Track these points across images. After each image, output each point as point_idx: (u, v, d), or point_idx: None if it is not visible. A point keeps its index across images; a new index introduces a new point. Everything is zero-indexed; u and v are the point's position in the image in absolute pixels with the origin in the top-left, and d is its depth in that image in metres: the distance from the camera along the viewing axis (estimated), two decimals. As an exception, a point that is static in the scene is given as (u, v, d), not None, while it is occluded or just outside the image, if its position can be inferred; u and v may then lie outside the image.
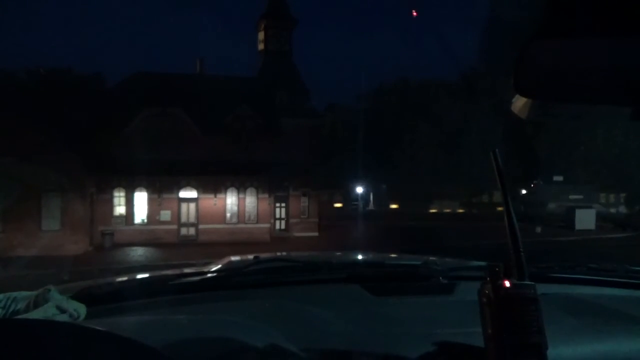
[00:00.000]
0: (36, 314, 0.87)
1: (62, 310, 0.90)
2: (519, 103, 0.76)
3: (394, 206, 47.64)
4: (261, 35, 29.10)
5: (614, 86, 0.64)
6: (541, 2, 0.63)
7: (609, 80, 0.64)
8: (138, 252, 20.51)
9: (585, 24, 0.60)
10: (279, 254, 2.31)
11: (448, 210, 45.75)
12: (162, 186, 23.22)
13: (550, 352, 0.79)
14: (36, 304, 0.91)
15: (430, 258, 1.81)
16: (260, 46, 29.18)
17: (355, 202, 43.69)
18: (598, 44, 0.61)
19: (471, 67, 36.75)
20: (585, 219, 30.02)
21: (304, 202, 27.04)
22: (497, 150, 0.93)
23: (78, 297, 1.05)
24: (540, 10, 0.63)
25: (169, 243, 22.16)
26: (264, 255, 1.83)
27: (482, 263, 1.54)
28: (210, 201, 23.88)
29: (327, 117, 40.57)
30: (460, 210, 45.85)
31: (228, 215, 24.27)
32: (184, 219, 23.82)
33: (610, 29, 0.59)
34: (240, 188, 24.32)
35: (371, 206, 47.18)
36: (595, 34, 0.60)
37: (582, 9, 0.60)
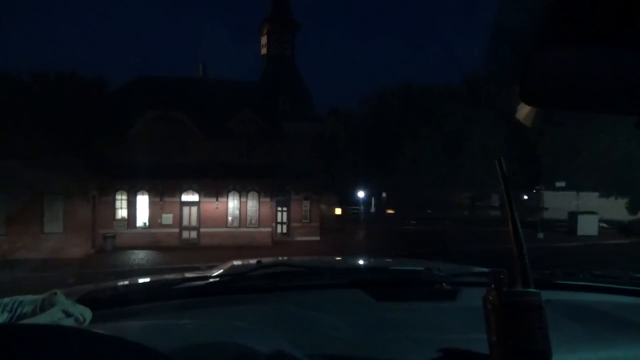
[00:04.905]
0: (42, 318, 0.88)
1: (68, 315, 0.91)
2: (524, 110, 0.76)
3: (390, 211, 47.11)
4: (264, 40, 29.19)
5: (619, 95, 0.65)
6: (546, 10, 0.63)
7: (614, 89, 0.64)
8: (140, 256, 20.52)
9: (591, 33, 0.60)
10: (281, 258, 2.31)
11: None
12: (164, 189, 23.25)
13: (555, 359, 0.79)
14: (42, 307, 0.92)
15: (433, 263, 1.82)
16: (263, 50, 29.26)
17: (356, 208, 43.64)
18: (603, 53, 0.62)
19: (474, 73, 36.77)
20: (588, 225, 29.92)
21: (306, 206, 27.04)
22: (501, 158, 0.93)
23: (83, 300, 1.05)
24: (544, 18, 0.64)
25: (170, 246, 22.17)
26: (266, 260, 1.84)
27: (485, 269, 1.55)
28: (212, 205, 23.89)
29: (330, 121, 40.60)
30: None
31: (230, 218, 24.27)
32: (185, 222, 23.84)
33: (615, 37, 0.59)
34: (242, 192, 24.34)
35: (372, 210, 47.08)
36: (600, 43, 0.60)
37: (587, 18, 0.61)
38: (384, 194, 47.88)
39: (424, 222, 35.82)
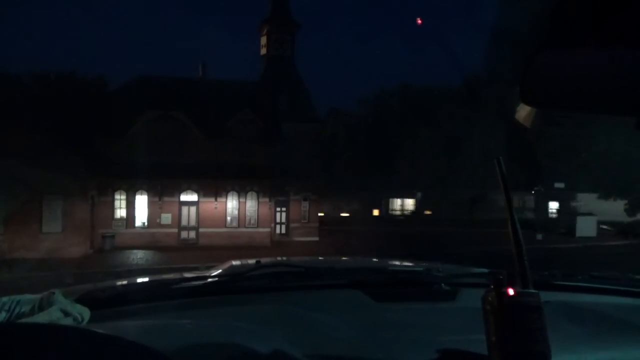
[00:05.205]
0: (41, 318, 0.88)
1: (67, 314, 0.91)
2: (524, 111, 0.76)
3: (427, 212, 44.98)
4: (263, 40, 29.19)
5: (620, 96, 0.65)
6: (546, 11, 0.63)
7: (616, 91, 0.64)
8: (138, 255, 20.51)
9: (592, 34, 0.60)
10: (279, 258, 2.31)
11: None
12: (163, 189, 23.24)
13: None
14: (41, 307, 0.91)
15: (432, 264, 1.82)
16: (263, 51, 29.26)
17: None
18: (604, 55, 0.62)
19: (474, 74, 36.79)
20: (586, 226, 29.96)
21: (305, 206, 27.04)
22: (501, 158, 0.93)
23: (82, 300, 1.05)
24: (545, 19, 0.64)
25: (169, 246, 22.16)
26: (265, 260, 1.83)
27: (484, 270, 1.55)
28: (211, 205, 23.88)
29: (329, 122, 40.59)
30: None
31: (228, 219, 24.26)
32: (184, 222, 23.82)
33: (616, 39, 0.59)
34: (241, 192, 24.33)
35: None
36: (601, 45, 0.60)
37: (588, 19, 0.61)
38: (419, 194, 46.73)
39: (463, 223, 35.19)
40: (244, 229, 24.11)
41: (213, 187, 23.66)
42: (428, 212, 43.40)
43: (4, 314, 0.91)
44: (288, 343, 0.98)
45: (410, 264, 2.04)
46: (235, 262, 2.01)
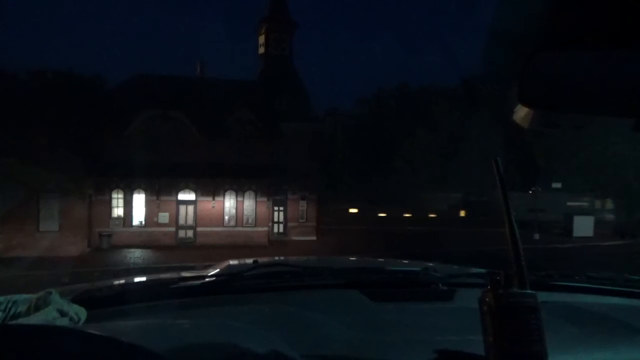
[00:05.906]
0: (37, 318, 0.87)
1: (63, 314, 0.90)
2: (521, 112, 0.76)
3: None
4: (262, 39, 29.17)
5: (618, 98, 0.65)
6: (545, 11, 0.63)
7: (613, 92, 0.64)
8: (135, 254, 20.47)
9: (590, 35, 0.60)
10: (277, 258, 2.31)
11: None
12: (160, 188, 23.20)
13: None
14: (37, 307, 0.91)
15: (430, 264, 1.82)
16: (261, 50, 29.24)
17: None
18: (602, 56, 0.62)
19: (471, 74, 36.87)
20: (584, 226, 30.03)
21: (303, 206, 27.04)
22: (498, 158, 0.93)
23: (78, 300, 1.05)
24: (544, 20, 0.64)
25: (166, 245, 22.13)
26: (263, 260, 1.83)
27: (482, 270, 1.55)
28: (208, 204, 23.86)
29: (327, 121, 40.61)
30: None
31: (226, 218, 24.25)
32: (182, 221, 23.79)
33: (614, 40, 0.59)
34: (239, 191, 24.32)
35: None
36: (600, 46, 0.60)
37: (586, 20, 0.61)
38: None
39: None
40: (241, 228, 24.09)
41: (211, 186, 23.63)
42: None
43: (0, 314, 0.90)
44: (285, 343, 0.98)
45: (407, 263, 2.04)
46: (233, 262, 2.00)
